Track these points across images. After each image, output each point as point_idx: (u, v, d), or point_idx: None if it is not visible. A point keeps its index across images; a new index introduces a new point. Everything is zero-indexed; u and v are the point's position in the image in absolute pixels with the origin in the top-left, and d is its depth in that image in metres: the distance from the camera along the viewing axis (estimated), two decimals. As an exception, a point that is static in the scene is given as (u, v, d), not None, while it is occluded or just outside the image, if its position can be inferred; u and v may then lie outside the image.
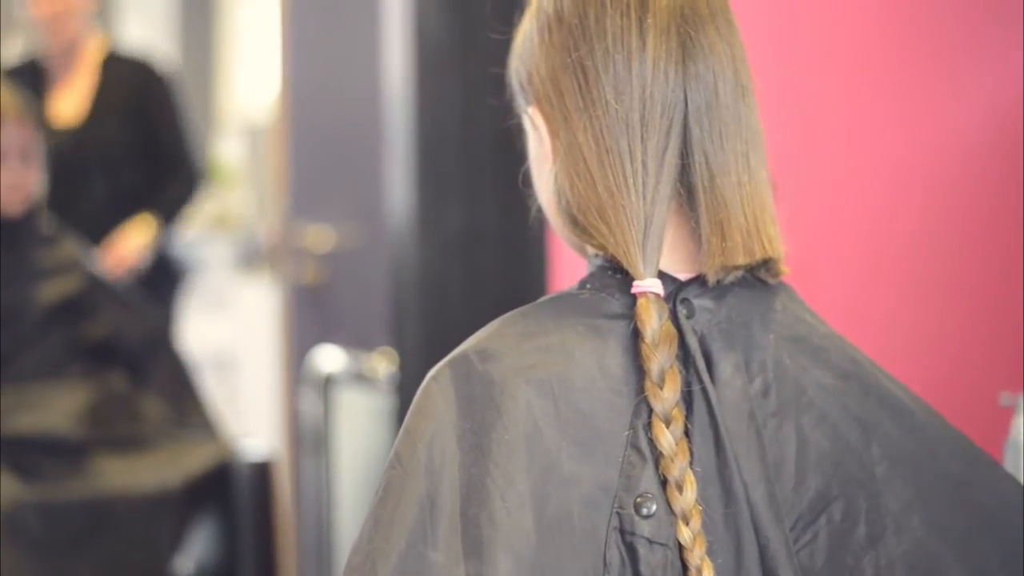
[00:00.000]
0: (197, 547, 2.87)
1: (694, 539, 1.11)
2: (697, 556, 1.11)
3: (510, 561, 1.09)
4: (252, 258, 5.22)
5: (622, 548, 1.11)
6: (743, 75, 1.20)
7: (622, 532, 1.12)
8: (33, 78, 3.91)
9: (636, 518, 1.12)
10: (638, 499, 1.12)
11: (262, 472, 2.87)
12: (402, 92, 2.35)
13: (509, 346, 1.17)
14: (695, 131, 1.17)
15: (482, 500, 1.10)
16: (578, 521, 1.11)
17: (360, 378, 3.24)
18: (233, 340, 4.90)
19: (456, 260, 2.34)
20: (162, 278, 4.05)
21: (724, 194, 1.17)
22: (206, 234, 5.52)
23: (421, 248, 2.34)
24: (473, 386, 1.15)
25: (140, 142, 3.97)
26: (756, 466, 1.14)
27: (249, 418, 4.85)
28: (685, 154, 1.17)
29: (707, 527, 1.12)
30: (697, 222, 1.18)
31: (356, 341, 3.36)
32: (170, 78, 4.12)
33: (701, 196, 1.17)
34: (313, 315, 3.73)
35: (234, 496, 2.87)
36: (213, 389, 4.32)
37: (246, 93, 5.87)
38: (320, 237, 3.60)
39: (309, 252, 3.66)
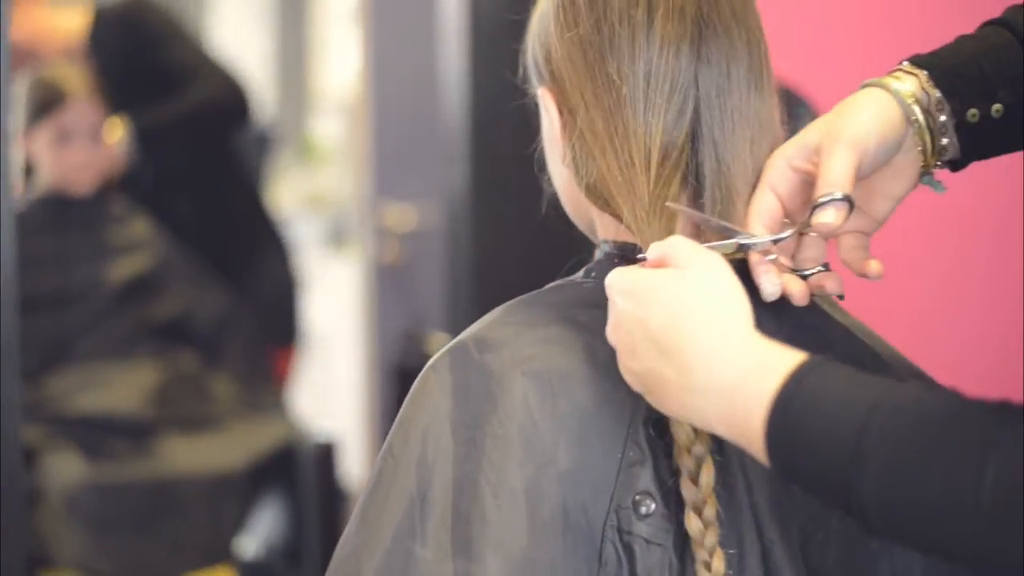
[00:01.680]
0: (263, 527, 2.87)
1: (705, 530, 1.05)
2: (706, 549, 1.05)
3: (499, 560, 1.05)
4: (342, 237, 5.22)
5: (619, 547, 1.08)
6: (758, 60, 1.15)
7: (619, 531, 1.08)
8: None
9: (634, 517, 1.08)
10: (636, 497, 1.08)
11: (327, 453, 2.85)
12: (457, 71, 2.31)
13: (509, 336, 1.14)
14: (705, 115, 1.12)
15: (473, 496, 1.07)
16: (573, 518, 1.08)
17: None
18: (323, 319, 4.91)
19: (513, 240, 2.30)
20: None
21: (733, 183, 1.12)
22: (300, 212, 5.53)
23: (476, 228, 2.30)
24: (470, 376, 1.12)
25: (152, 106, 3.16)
26: (761, 465, 1.08)
27: (336, 398, 4.85)
28: (695, 138, 1.12)
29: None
30: (704, 209, 1.12)
31: (436, 321, 3.34)
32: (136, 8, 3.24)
33: (709, 183, 1.12)
34: (396, 295, 3.72)
35: (299, 477, 2.86)
36: (302, 368, 4.32)
37: (343, 70, 5.86)
38: (402, 216, 3.58)
39: (391, 231, 3.64)
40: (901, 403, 0.90)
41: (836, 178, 1.07)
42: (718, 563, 1.05)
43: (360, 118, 3.79)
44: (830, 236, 1.11)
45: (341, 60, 5.86)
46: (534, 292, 1.19)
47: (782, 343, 1.12)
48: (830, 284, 1.12)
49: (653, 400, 1.04)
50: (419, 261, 3.60)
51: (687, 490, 1.06)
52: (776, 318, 1.14)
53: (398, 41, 3.60)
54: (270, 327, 3.33)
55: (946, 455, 0.86)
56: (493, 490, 1.07)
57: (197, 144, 3.25)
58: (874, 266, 1.13)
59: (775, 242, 1.10)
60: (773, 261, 1.10)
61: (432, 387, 1.12)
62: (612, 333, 1.06)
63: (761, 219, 1.11)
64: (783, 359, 0.96)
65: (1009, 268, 1.56)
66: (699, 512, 1.06)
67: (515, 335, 1.13)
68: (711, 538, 1.06)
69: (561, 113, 1.17)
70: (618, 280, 1.05)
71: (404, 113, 3.64)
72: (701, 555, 1.06)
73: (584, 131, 1.14)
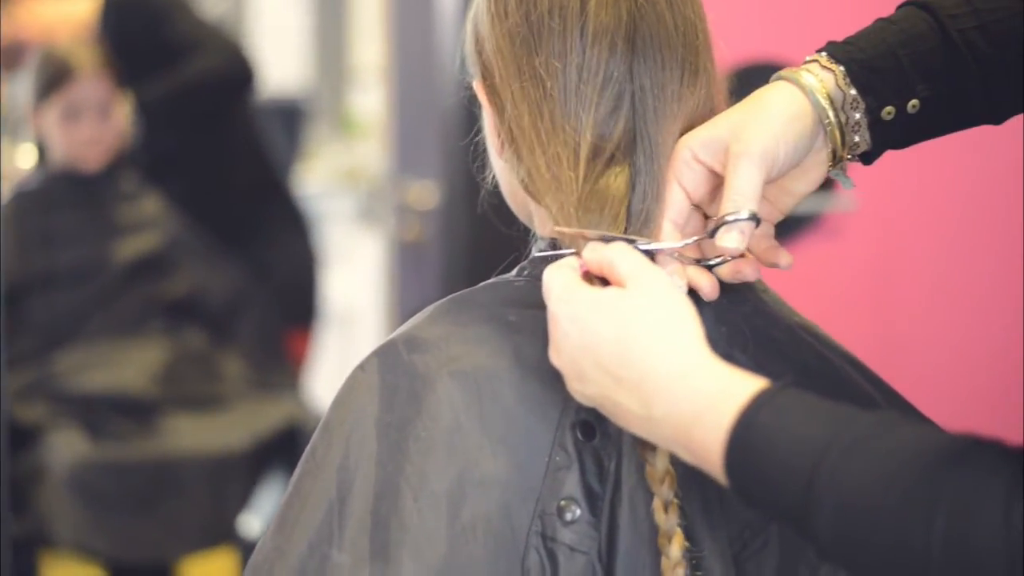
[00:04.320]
0: (267, 507, 2.86)
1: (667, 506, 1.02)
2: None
3: (416, 565, 1.03)
4: (373, 213, 5.19)
5: (543, 555, 1.05)
6: (693, 50, 1.11)
7: (543, 537, 1.05)
8: None
9: (558, 523, 1.05)
10: (561, 503, 1.06)
11: (332, 435, 2.82)
12: (452, 46, 2.27)
13: (438, 336, 1.11)
14: (640, 109, 1.09)
15: (393, 500, 1.05)
16: (496, 524, 1.05)
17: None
18: (350, 297, 4.90)
19: (510, 222, 2.26)
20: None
21: (663, 178, 1.08)
22: (335, 187, 5.51)
23: (474, 208, 2.26)
24: (398, 377, 1.10)
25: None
26: (694, 473, 1.05)
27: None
28: (631, 132, 1.08)
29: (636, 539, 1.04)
30: (633, 204, 1.09)
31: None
32: None
33: (642, 179, 1.08)
34: (417, 273, 3.69)
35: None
36: (332, 344, 4.31)
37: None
38: (423, 194, 3.55)
39: (412, 209, 3.61)
40: (855, 441, 0.88)
41: (741, 196, 1.03)
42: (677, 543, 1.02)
43: (383, 94, 3.76)
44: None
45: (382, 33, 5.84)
46: (467, 290, 1.17)
47: (725, 350, 1.08)
48: (748, 270, 1.08)
49: (614, 421, 1.01)
50: (440, 240, 3.56)
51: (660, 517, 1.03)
52: (715, 321, 1.10)
53: (421, 15, 3.57)
54: (286, 307, 3.30)
55: (896, 500, 0.84)
56: (414, 494, 1.05)
57: (202, 116, 3.22)
58: (784, 256, 1.10)
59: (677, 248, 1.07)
60: (677, 258, 1.07)
61: (360, 389, 1.10)
62: (555, 357, 1.02)
63: (668, 214, 1.07)
64: (739, 387, 0.93)
65: (1009, 268, 1.52)
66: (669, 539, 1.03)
67: (444, 335, 1.11)
68: (673, 516, 1.02)
69: (494, 107, 1.14)
70: (558, 301, 1.01)
71: (425, 89, 3.60)
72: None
73: (512, 126, 1.11)
